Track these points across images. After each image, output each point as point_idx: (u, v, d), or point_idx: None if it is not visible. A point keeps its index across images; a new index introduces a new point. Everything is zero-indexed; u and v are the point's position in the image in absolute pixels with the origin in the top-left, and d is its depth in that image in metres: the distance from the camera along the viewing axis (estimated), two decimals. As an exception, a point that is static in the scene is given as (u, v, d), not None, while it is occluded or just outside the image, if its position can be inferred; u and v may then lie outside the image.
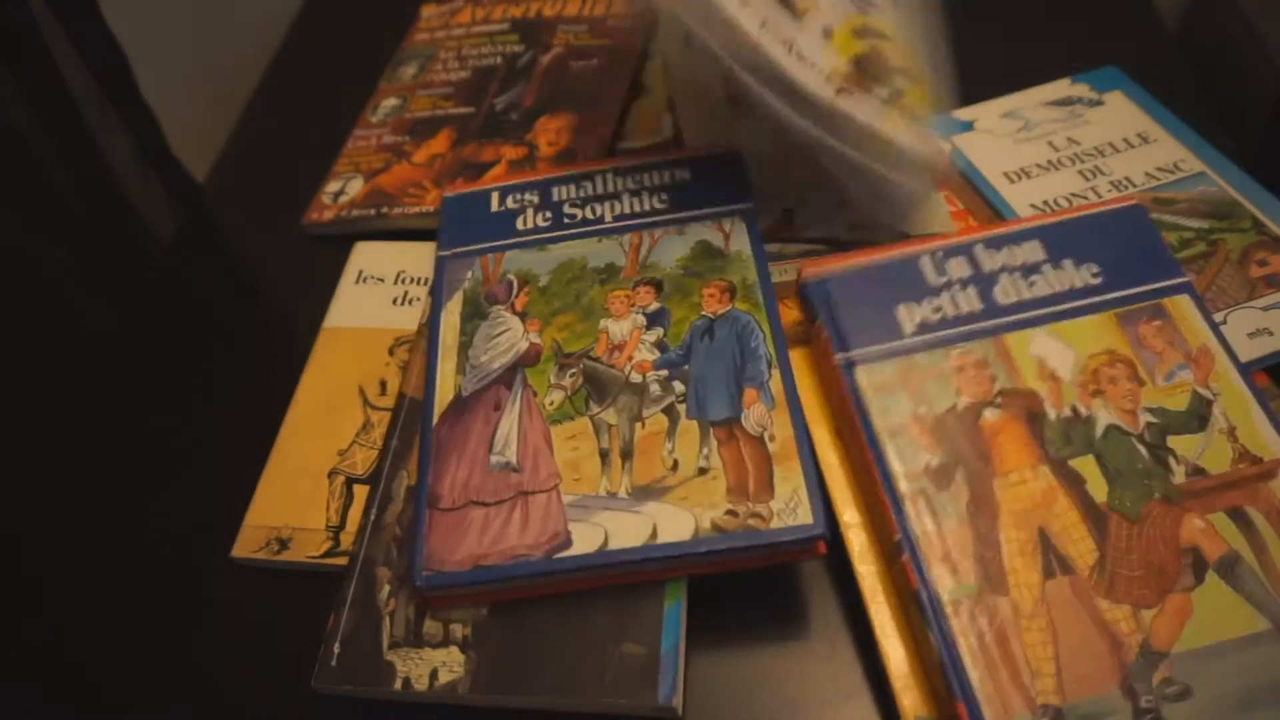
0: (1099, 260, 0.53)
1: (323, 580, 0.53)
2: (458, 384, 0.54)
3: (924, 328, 0.52)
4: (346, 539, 0.54)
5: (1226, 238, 0.59)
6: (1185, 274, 0.53)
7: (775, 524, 0.46)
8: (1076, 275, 0.53)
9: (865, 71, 0.55)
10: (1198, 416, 0.48)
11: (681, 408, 0.51)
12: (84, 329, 0.73)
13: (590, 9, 0.84)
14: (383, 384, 0.61)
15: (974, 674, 0.42)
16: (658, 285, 0.56)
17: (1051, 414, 0.49)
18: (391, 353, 0.63)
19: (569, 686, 0.46)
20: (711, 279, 0.56)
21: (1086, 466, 0.47)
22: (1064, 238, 0.54)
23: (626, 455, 0.50)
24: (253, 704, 0.51)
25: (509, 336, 0.56)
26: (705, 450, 0.49)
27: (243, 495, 0.57)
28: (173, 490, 0.60)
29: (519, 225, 0.61)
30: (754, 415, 0.50)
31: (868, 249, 0.56)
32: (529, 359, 0.54)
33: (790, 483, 0.47)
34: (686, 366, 0.52)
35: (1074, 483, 0.47)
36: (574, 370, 0.53)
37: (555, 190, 0.63)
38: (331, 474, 0.57)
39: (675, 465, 0.49)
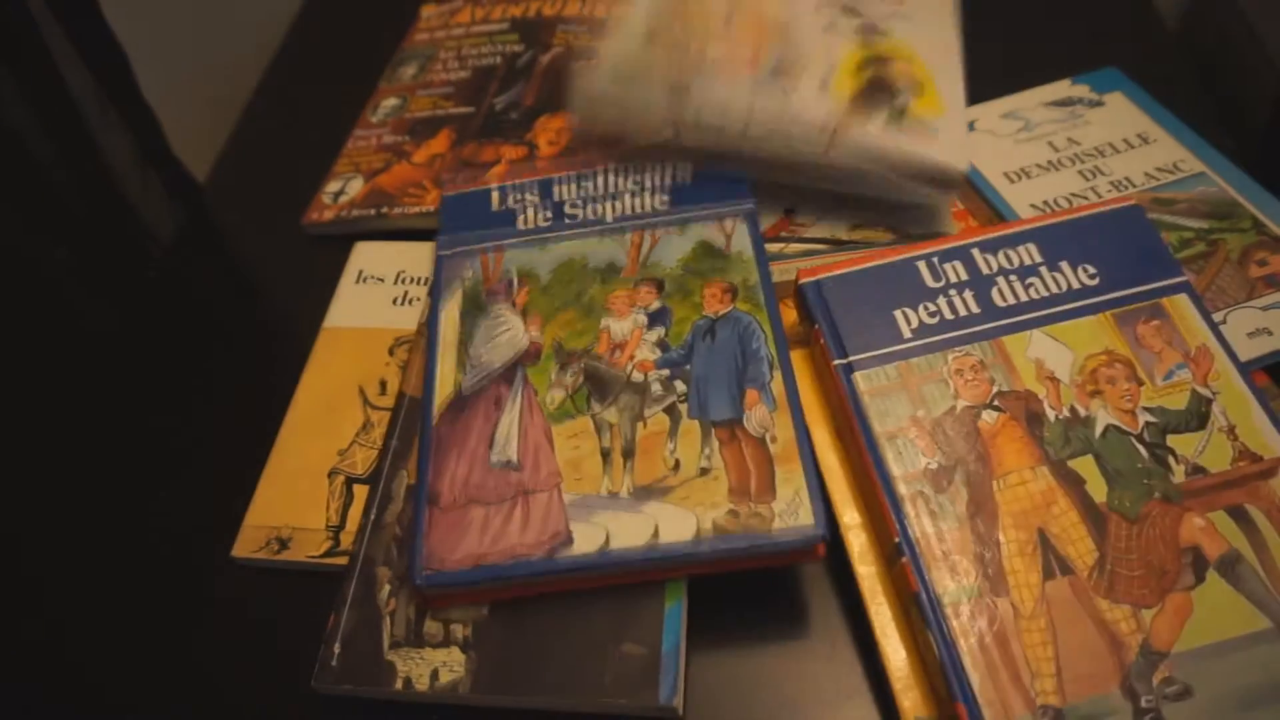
0: (1097, 261, 0.53)
1: (323, 580, 0.53)
2: (458, 381, 0.54)
3: (922, 331, 0.52)
4: (346, 539, 0.54)
5: (1226, 238, 0.59)
6: (1184, 273, 0.53)
7: (776, 525, 0.46)
8: (1074, 276, 0.53)
9: (865, 102, 0.59)
10: (1197, 415, 0.48)
11: (683, 408, 0.51)
12: (84, 329, 0.73)
13: (590, 9, 0.84)
14: (383, 384, 0.61)
15: (974, 675, 0.42)
16: (659, 284, 0.56)
17: (1050, 415, 0.49)
18: (391, 352, 0.63)
19: (569, 686, 0.46)
20: (713, 279, 0.56)
21: (1086, 467, 0.47)
22: (1062, 239, 0.54)
23: (628, 455, 0.50)
24: (253, 704, 0.51)
25: (510, 334, 0.56)
26: (707, 451, 0.49)
27: (243, 495, 0.57)
28: (173, 490, 0.60)
29: (519, 223, 0.61)
30: (756, 416, 0.50)
31: (865, 252, 0.56)
32: (529, 357, 0.54)
33: (791, 484, 0.47)
34: (688, 366, 0.52)
35: (1073, 483, 0.47)
36: (575, 369, 0.53)
37: (556, 188, 0.63)
38: (331, 474, 0.57)
39: (677, 465, 0.49)
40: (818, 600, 0.51)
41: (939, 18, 0.69)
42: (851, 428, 0.50)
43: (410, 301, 0.65)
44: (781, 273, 0.59)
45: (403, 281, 0.67)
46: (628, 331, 0.54)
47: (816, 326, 0.53)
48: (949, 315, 0.52)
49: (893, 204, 0.61)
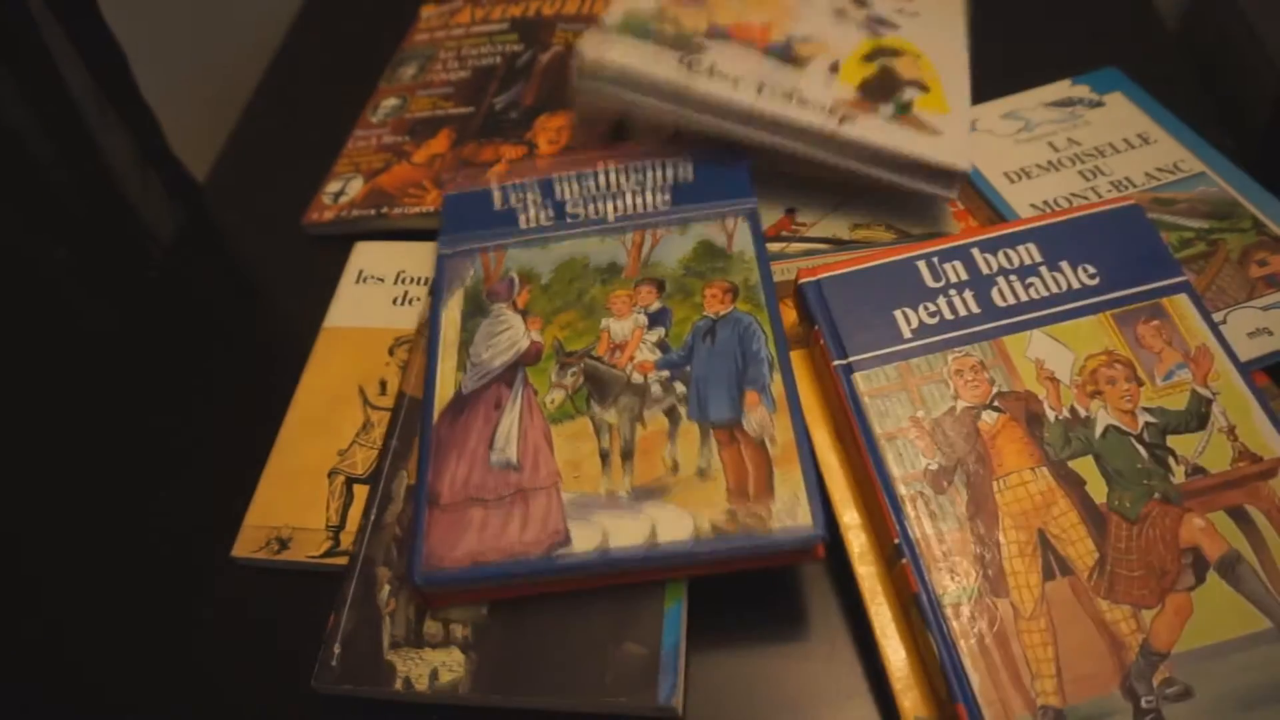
0: (1096, 261, 0.53)
1: (323, 580, 0.53)
2: (458, 381, 0.54)
3: (922, 331, 0.52)
4: (346, 539, 0.54)
5: (1226, 238, 0.59)
6: (1184, 273, 0.53)
7: (775, 526, 0.46)
8: (1074, 276, 0.53)
9: (872, 93, 0.59)
10: (1197, 416, 0.48)
11: (683, 409, 0.51)
12: (84, 329, 0.73)
13: (590, 8, 0.84)
14: (383, 384, 0.61)
15: (974, 676, 0.42)
16: (660, 285, 0.56)
17: (1050, 415, 0.49)
18: (391, 353, 0.63)
19: (569, 686, 0.46)
20: (714, 279, 0.56)
21: (1086, 467, 0.47)
22: (1062, 238, 0.54)
23: (627, 455, 0.50)
24: (253, 704, 0.51)
25: (510, 334, 0.56)
26: (706, 452, 0.49)
27: (243, 495, 0.57)
28: (173, 490, 0.60)
29: (521, 223, 0.61)
30: (755, 418, 0.50)
31: (865, 252, 0.56)
32: (530, 357, 0.54)
33: (790, 485, 0.47)
34: (688, 367, 0.52)
35: (1073, 484, 0.47)
36: (575, 369, 0.53)
37: (557, 187, 0.63)
38: (331, 474, 0.57)
39: (676, 466, 0.49)
40: (818, 601, 0.51)
41: (947, 19, 0.69)
42: (851, 428, 0.50)
43: (410, 301, 0.65)
44: (782, 272, 0.59)
45: (403, 281, 0.67)
46: (628, 332, 0.54)
47: (816, 327, 0.53)
48: (949, 315, 0.52)
49: (893, 199, 0.61)
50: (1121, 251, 0.54)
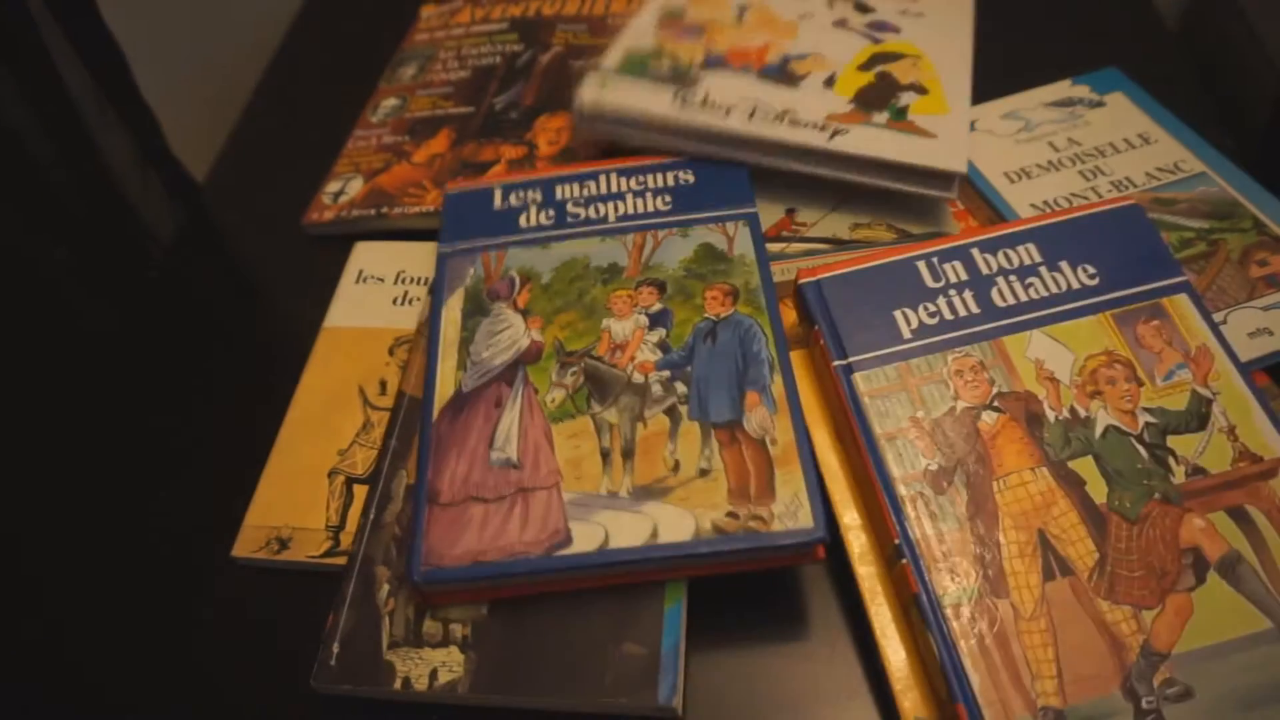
0: (1096, 260, 0.53)
1: (323, 580, 0.52)
2: (458, 380, 0.54)
3: (922, 331, 0.52)
4: (346, 539, 0.54)
5: (1227, 238, 0.59)
6: (1184, 273, 0.53)
7: (776, 526, 0.46)
8: (1074, 276, 0.53)
9: (866, 102, 0.60)
10: (1197, 416, 0.48)
11: (683, 409, 0.51)
12: (84, 329, 0.73)
13: (590, 8, 0.84)
14: (383, 384, 0.61)
15: (974, 676, 0.42)
16: (660, 286, 0.56)
17: (1050, 416, 0.49)
18: (391, 352, 0.63)
19: (569, 686, 0.46)
20: (714, 281, 0.56)
21: (1086, 468, 0.47)
22: (1062, 238, 0.54)
23: (628, 455, 0.50)
24: (253, 704, 0.51)
25: (510, 333, 0.56)
26: (707, 452, 0.49)
27: (243, 495, 0.57)
28: (173, 490, 0.60)
29: (521, 223, 0.61)
30: (756, 418, 0.50)
31: (864, 252, 0.56)
32: (530, 356, 0.54)
33: (791, 486, 0.47)
34: (689, 368, 0.52)
35: (1073, 484, 0.47)
36: (575, 369, 0.53)
37: (558, 189, 0.63)
38: (331, 474, 0.57)
39: (676, 466, 0.49)
40: (818, 601, 0.51)
41: (953, 18, 0.70)
42: (851, 429, 0.50)
43: (410, 301, 0.65)
44: (782, 272, 0.59)
45: (403, 281, 0.67)
46: (629, 332, 0.54)
47: (816, 327, 0.53)
48: (949, 316, 0.52)
49: (893, 198, 0.62)
50: (1121, 251, 0.54)
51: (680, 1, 0.72)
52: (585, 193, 0.62)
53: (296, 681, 0.48)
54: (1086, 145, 0.66)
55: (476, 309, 0.57)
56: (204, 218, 0.80)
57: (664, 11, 0.71)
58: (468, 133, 0.75)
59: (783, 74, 0.65)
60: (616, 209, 0.61)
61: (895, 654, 0.46)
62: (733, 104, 0.61)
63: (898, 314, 0.53)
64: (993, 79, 0.70)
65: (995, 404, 0.49)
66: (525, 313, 0.56)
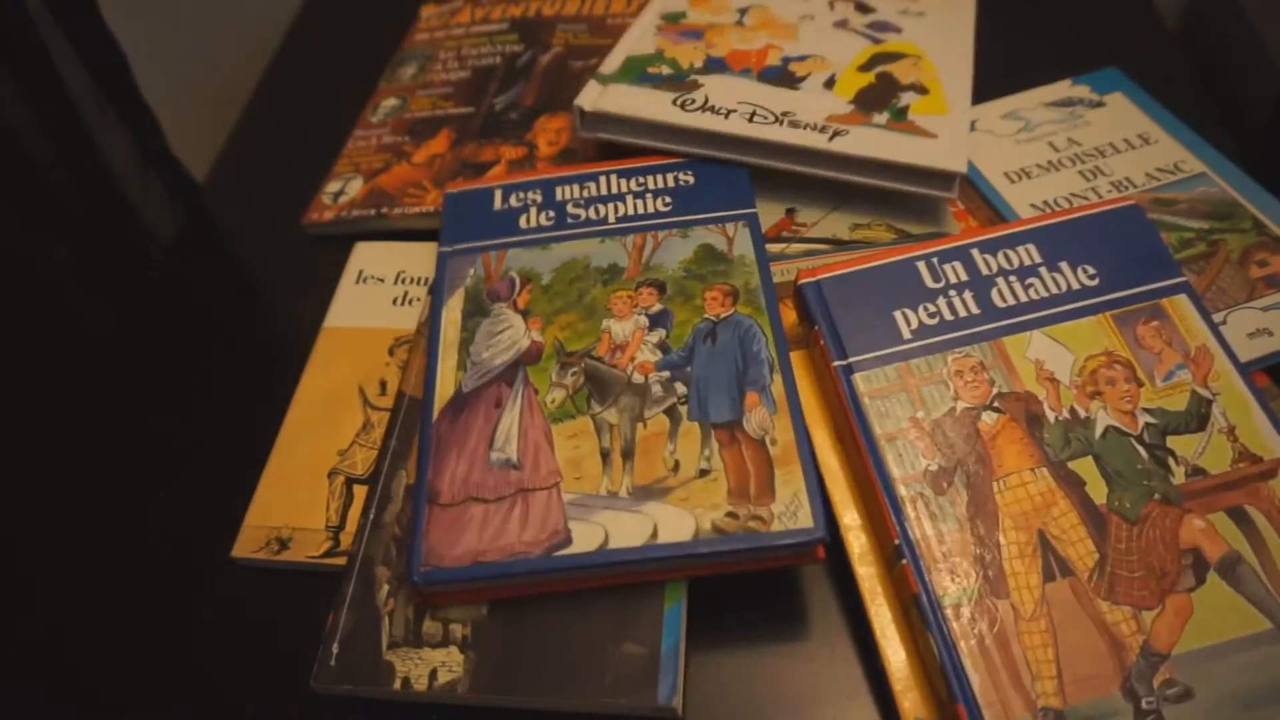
0: (1096, 261, 0.53)
1: (323, 580, 0.53)
2: (458, 380, 0.54)
3: (922, 332, 0.52)
4: (346, 539, 0.54)
5: (1227, 238, 0.59)
6: (1184, 274, 0.53)
7: (776, 527, 0.46)
8: (1074, 277, 0.53)
9: (866, 103, 0.61)
10: (1197, 416, 0.48)
11: (683, 409, 0.51)
12: (84, 329, 0.73)
13: (590, 8, 0.84)
14: (383, 384, 0.61)
15: (974, 677, 0.42)
16: (660, 287, 0.56)
17: (1050, 416, 0.49)
18: (391, 353, 0.63)
19: (569, 686, 0.46)
20: (714, 282, 0.56)
21: (1086, 468, 0.47)
22: (1062, 239, 0.54)
23: (628, 455, 0.50)
24: (253, 704, 0.51)
25: (510, 334, 0.56)
26: (707, 452, 0.49)
27: (243, 495, 0.57)
28: (173, 490, 0.60)
29: (522, 224, 0.61)
30: (756, 418, 0.50)
31: (864, 253, 0.57)
32: (530, 357, 0.54)
33: (791, 486, 0.47)
34: (688, 368, 0.52)
35: (1073, 485, 0.47)
36: (575, 369, 0.53)
37: (559, 190, 0.63)
38: (331, 474, 0.57)
39: (676, 466, 0.49)
40: (818, 601, 0.51)
41: (953, 18, 0.70)
42: (851, 429, 0.50)
43: (410, 301, 0.65)
44: (782, 273, 0.59)
45: (403, 281, 0.67)
46: (629, 333, 0.54)
47: (816, 327, 0.53)
48: (949, 316, 0.52)
49: (893, 199, 0.62)
50: (1121, 252, 0.54)
51: (680, 4, 0.73)
52: (585, 194, 0.62)
53: (296, 681, 0.48)
54: (1086, 145, 0.66)
55: (477, 309, 0.57)
56: (204, 218, 0.80)
57: (664, 15, 0.71)
58: (468, 133, 0.75)
59: (783, 76, 0.65)
60: (616, 210, 0.61)
61: (895, 654, 0.46)
62: (733, 107, 0.61)
63: (898, 314, 0.53)
64: (993, 79, 0.70)
65: (995, 404, 0.49)
66: (525, 313, 0.56)
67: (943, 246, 0.55)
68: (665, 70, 0.65)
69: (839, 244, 0.62)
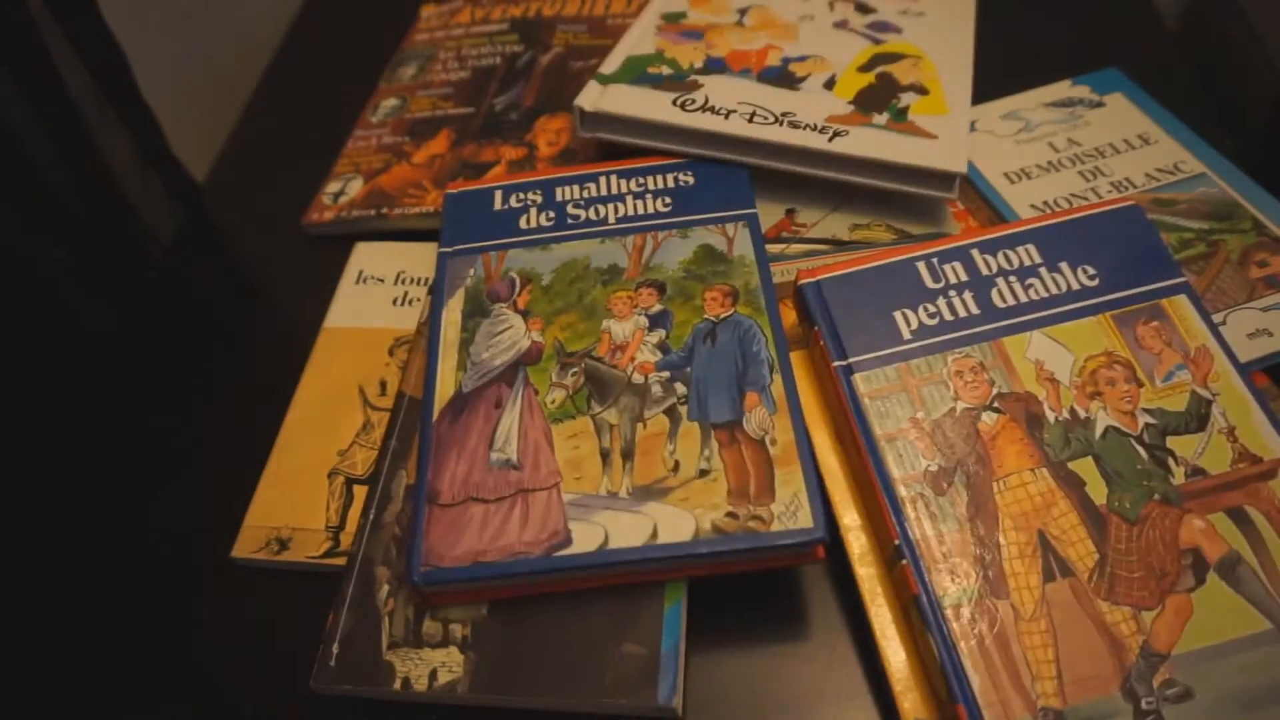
0: (1096, 261, 0.53)
1: (322, 580, 0.53)
2: (458, 381, 0.54)
3: (922, 332, 0.52)
4: (346, 539, 0.54)
5: (1227, 239, 0.59)
6: (1183, 274, 0.53)
7: (776, 527, 0.46)
8: (1074, 277, 0.53)
9: (867, 104, 0.61)
10: (1197, 417, 0.48)
11: (683, 409, 0.51)
12: (84, 329, 0.73)
13: (590, 9, 0.84)
14: (383, 384, 0.61)
15: (974, 677, 0.42)
16: (660, 287, 0.56)
17: (1050, 416, 0.49)
18: (391, 353, 0.63)
19: (569, 686, 0.46)
20: (714, 283, 0.56)
21: (1086, 469, 0.47)
22: (1061, 239, 0.54)
23: (628, 455, 0.50)
24: (252, 704, 0.51)
25: (511, 334, 0.56)
26: (706, 452, 0.49)
27: (243, 495, 0.57)
28: (173, 490, 0.60)
29: (522, 224, 0.61)
30: (755, 419, 0.50)
31: (864, 253, 0.57)
32: (530, 357, 0.54)
33: (791, 486, 0.47)
34: (688, 369, 0.52)
35: (1073, 485, 0.47)
36: (576, 369, 0.53)
37: (559, 190, 0.63)
38: (331, 474, 0.57)
39: (676, 466, 0.49)
40: (818, 601, 0.51)
41: (954, 18, 0.70)
42: (851, 430, 0.50)
43: (410, 302, 0.65)
44: (782, 273, 0.59)
45: (403, 282, 0.67)
46: (629, 333, 0.54)
47: (816, 328, 0.53)
48: (949, 316, 0.52)
49: (893, 199, 0.62)
50: (1121, 252, 0.54)
51: (680, 5, 0.73)
52: (585, 194, 0.62)
53: (296, 682, 0.48)
54: (1086, 146, 0.66)
55: (477, 310, 0.57)
56: (204, 218, 0.80)
57: (664, 15, 0.71)
58: (468, 133, 0.75)
59: (783, 76, 0.65)
60: (616, 210, 0.61)
61: (895, 655, 0.46)
62: (733, 107, 0.61)
63: (898, 315, 0.53)
64: (993, 79, 0.70)
65: (995, 405, 0.49)
66: (525, 314, 0.56)
67: (943, 247, 0.55)
68: (665, 70, 0.65)
69: (839, 244, 0.62)
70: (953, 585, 0.45)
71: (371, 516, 0.53)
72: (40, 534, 0.59)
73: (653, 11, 0.72)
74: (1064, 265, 0.53)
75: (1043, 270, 0.53)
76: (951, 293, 0.53)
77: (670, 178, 0.62)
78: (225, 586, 0.55)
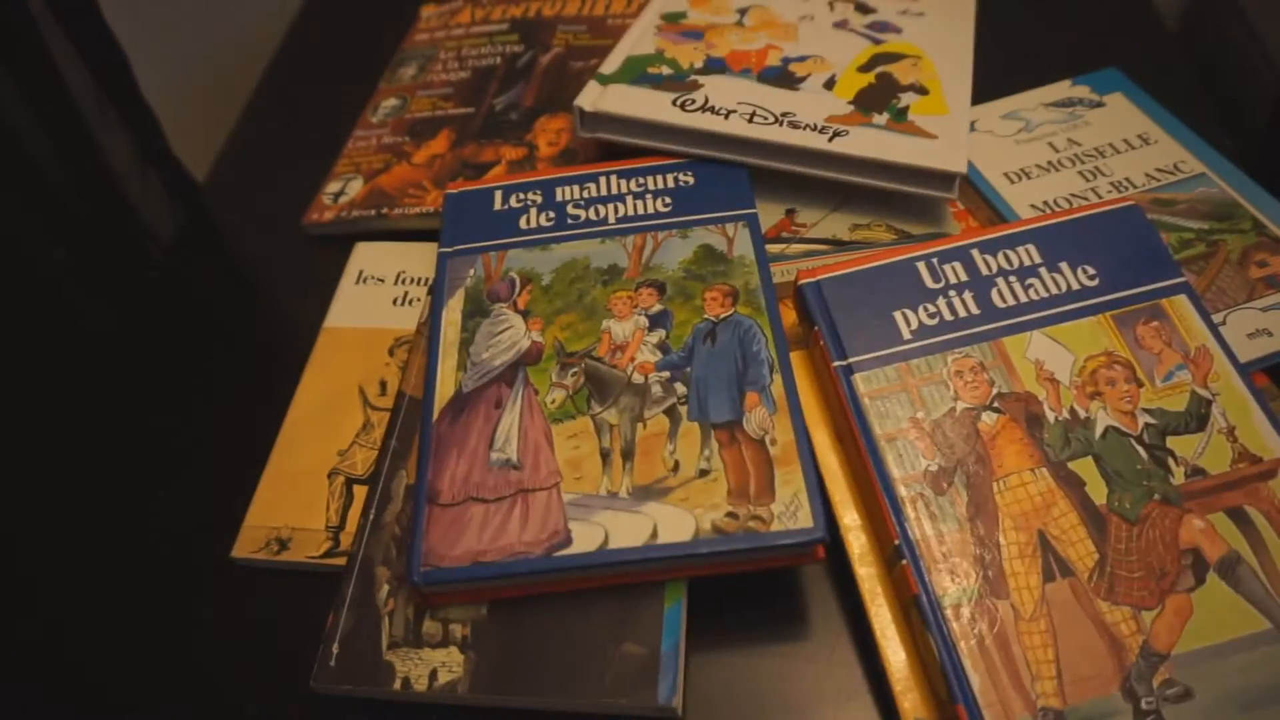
0: (1096, 261, 0.53)
1: (322, 580, 0.53)
2: (458, 381, 0.54)
3: (921, 332, 0.52)
4: (346, 539, 0.54)
5: (1226, 239, 0.59)
6: (1183, 274, 0.53)
7: (776, 527, 0.46)
8: (1073, 277, 0.53)
9: (866, 104, 0.61)
10: (1197, 417, 0.48)
11: (683, 409, 0.51)
12: (84, 329, 0.73)
13: (590, 9, 0.84)
14: (383, 384, 0.61)
15: (974, 677, 0.42)
16: (660, 287, 0.56)
17: (1050, 416, 0.49)
18: (391, 353, 0.63)
19: (569, 686, 0.46)
20: (714, 283, 0.56)
21: (1086, 468, 0.47)
22: (1061, 239, 0.54)
23: (628, 455, 0.50)
24: (252, 704, 0.51)
25: (511, 334, 0.56)
26: (706, 452, 0.49)
27: (243, 495, 0.57)
28: (173, 490, 0.60)
29: (522, 224, 0.61)
30: (755, 418, 0.50)
31: (864, 253, 0.57)
32: (530, 357, 0.54)
33: (791, 486, 0.47)
34: (688, 369, 0.52)
35: (1073, 485, 0.47)
36: (576, 369, 0.53)
37: (559, 190, 0.63)
38: (331, 474, 0.57)
39: (676, 466, 0.49)
40: (818, 601, 0.51)
41: (953, 18, 0.70)
42: (851, 429, 0.50)
43: (410, 302, 0.65)
44: (782, 273, 0.59)
45: (403, 282, 0.67)
46: (629, 333, 0.54)
47: (816, 328, 0.53)
48: (948, 316, 0.52)
49: (893, 199, 0.62)
50: (1121, 252, 0.54)
51: (680, 5, 0.73)
52: (585, 194, 0.62)
53: (296, 682, 0.48)
54: (1086, 146, 0.66)
55: (477, 310, 0.57)
56: (204, 218, 0.80)
57: (664, 15, 0.71)
58: (468, 133, 0.75)
59: (783, 76, 0.65)
60: (616, 210, 0.61)
61: (895, 655, 0.46)
62: (733, 108, 0.61)
63: (897, 315, 0.53)
64: (993, 79, 0.70)
65: (995, 405, 0.49)
66: (525, 314, 0.56)
67: (943, 247, 0.55)
68: (665, 70, 0.65)
69: (839, 244, 0.62)
70: (953, 585, 0.45)
71: (371, 516, 0.53)
72: (41, 534, 0.59)
73: (653, 11, 0.72)
74: (1064, 265, 0.53)
75: (1043, 270, 0.53)
76: (951, 293, 0.53)
77: (670, 178, 0.62)
78: (225, 586, 0.55)
